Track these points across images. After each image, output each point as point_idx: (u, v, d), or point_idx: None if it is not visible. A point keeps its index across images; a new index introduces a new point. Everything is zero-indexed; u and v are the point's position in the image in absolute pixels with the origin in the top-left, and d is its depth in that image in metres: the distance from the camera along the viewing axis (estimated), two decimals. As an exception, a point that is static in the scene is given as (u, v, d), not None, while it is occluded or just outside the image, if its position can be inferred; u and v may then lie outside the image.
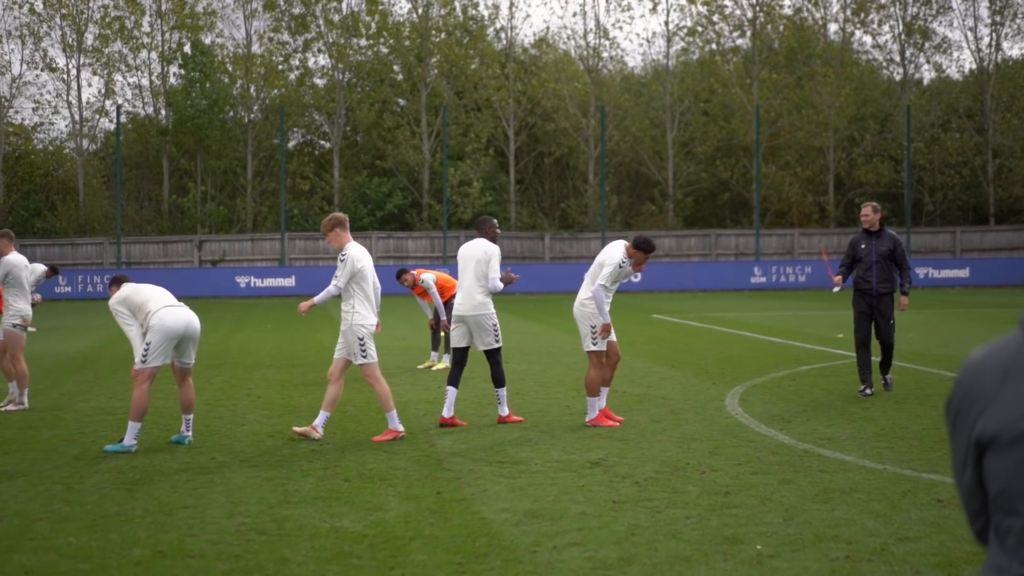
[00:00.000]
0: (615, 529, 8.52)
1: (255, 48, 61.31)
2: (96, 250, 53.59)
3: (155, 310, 12.04)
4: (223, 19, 61.83)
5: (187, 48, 60.03)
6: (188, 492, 9.99)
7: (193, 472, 10.87)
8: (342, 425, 13.65)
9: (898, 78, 64.88)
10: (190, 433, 12.50)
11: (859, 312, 16.00)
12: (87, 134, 61.34)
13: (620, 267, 13.45)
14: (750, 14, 62.67)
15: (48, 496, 9.89)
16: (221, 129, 59.53)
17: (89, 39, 59.77)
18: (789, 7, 63.43)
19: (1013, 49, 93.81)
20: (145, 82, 61.75)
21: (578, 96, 61.17)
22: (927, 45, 64.17)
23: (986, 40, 65.53)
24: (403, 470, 10.86)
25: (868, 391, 15.68)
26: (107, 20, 59.64)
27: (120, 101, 60.27)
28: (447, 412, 13.61)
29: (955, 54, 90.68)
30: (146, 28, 60.76)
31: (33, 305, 29.74)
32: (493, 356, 13.79)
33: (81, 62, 59.91)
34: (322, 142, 64.10)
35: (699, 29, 63.34)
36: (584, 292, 13.71)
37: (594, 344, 13.61)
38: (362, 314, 12.50)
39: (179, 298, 12.92)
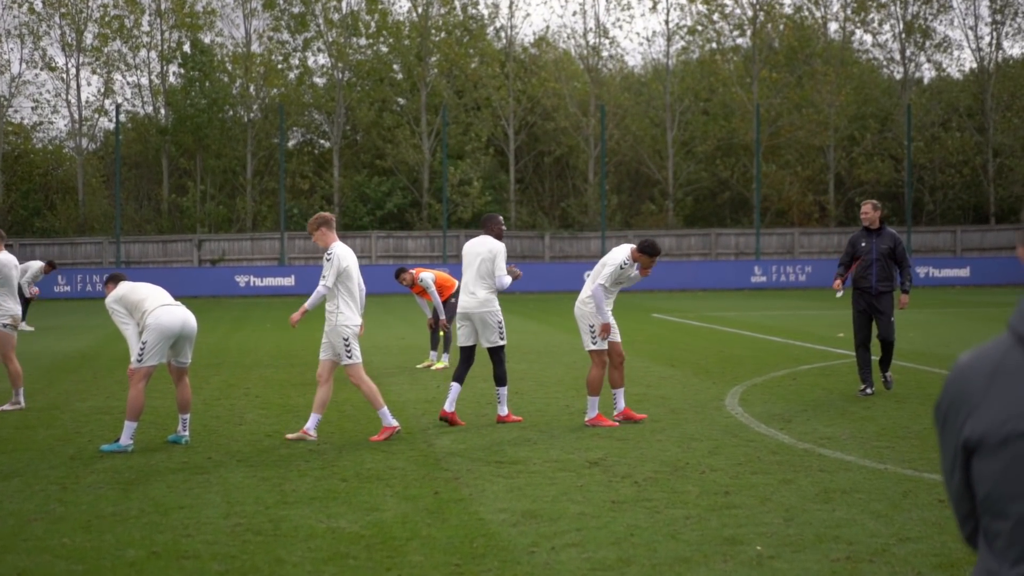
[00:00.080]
0: (614, 529, 8.45)
1: (255, 47, 61.28)
2: (95, 249, 53.53)
3: (151, 309, 11.97)
4: (222, 18, 61.92)
5: (186, 47, 59.99)
6: (184, 492, 9.93)
7: (189, 472, 10.80)
8: (340, 425, 13.59)
9: (898, 77, 64.80)
10: (187, 433, 12.43)
11: (858, 311, 15.93)
12: (86, 133, 61.30)
13: (621, 269, 13.38)
14: (750, 13, 62.62)
15: (43, 496, 9.83)
16: (220, 128, 59.47)
17: (88, 38, 59.74)
18: (789, 6, 63.44)
19: (1014, 48, 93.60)
20: (144, 81, 61.79)
21: (578, 95, 61.10)
22: (927, 44, 64.10)
23: (987, 39, 65.51)
24: (401, 470, 10.79)
25: (869, 390, 15.61)
26: (106, 19, 59.60)
27: (119, 100, 60.30)
28: (448, 407, 13.56)
29: (955, 53, 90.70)
30: (145, 27, 60.74)
31: (31, 298, 29.99)
32: (497, 354, 13.73)
33: (80, 61, 59.90)
34: (322, 141, 64.05)
35: (699, 28, 63.28)
36: (585, 291, 13.67)
37: (593, 344, 13.55)
38: (347, 315, 12.43)
39: (178, 297, 12.87)
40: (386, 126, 59.65)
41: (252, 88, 60.92)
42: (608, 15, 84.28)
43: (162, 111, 60.95)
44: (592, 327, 13.52)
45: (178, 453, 11.81)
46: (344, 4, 60.76)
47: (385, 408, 12.59)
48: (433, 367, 19.80)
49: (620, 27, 67.03)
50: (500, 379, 13.70)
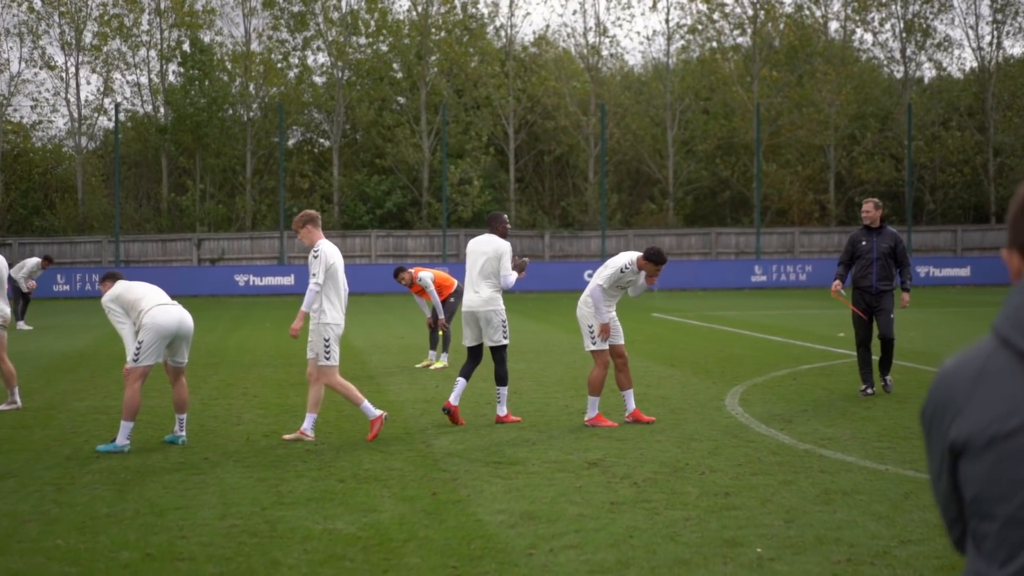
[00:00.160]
0: (613, 531, 8.38)
1: (254, 46, 61.22)
2: (95, 248, 53.49)
3: (148, 308, 11.89)
4: (222, 17, 61.85)
5: (186, 46, 59.89)
6: (180, 493, 9.86)
7: (186, 473, 10.73)
8: (338, 425, 13.51)
9: (899, 76, 64.73)
10: (184, 433, 12.36)
11: (857, 315, 15.85)
12: (86, 132, 61.27)
13: (621, 273, 13.32)
14: (750, 12, 62.54)
15: (38, 497, 9.76)
16: (220, 127, 59.41)
17: (88, 37, 59.68)
18: (790, 5, 63.32)
19: (1015, 47, 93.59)
20: (144, 80, 61.76)
21: (578, 94, 61.03)
22: (928, 43, 64.03)
23: (987, 38, 65.48)
24: (399, 471, 10.72)
25: (869, 391, 15.54)
26: (106, 18, 59.53)
27: (119, 99, 60.25)
28: (454, 400, 13.54)
29: (956, 52, 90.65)
30: (145, 26, 60.67)
31: (28, 293, 29.91)
32: (499, 353, 13.67)
33: (80, 60, 59.85)
34: (321, 140, 63.99)
35: (699, 27, 63.21)
36: (586, 292, 13.61)
37: (593, 344, 13.51)
38: (330, 314, 12.34)
39: (178, 296, 12.82)
40: (386, 125, 59.59)
41: (252, 87, 60.87)
42: (608, 14, 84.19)
43: (161, 110, 60.89)
44: (591, 327, 13.47)
45: (175, 453, 11.74)
46: (344, 3, 60.73)
47: (365, 402, 12.49)
48: (432, 367, 19.72)
49: (620, 26, 67.01)
50: (501, 379, 13.64)
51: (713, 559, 7.64)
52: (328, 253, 12.35)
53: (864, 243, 15.75)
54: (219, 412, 14.57)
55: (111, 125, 58.32)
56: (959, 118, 62.20)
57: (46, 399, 16.09)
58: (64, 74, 60.30)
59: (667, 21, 63.38)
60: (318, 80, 62.39)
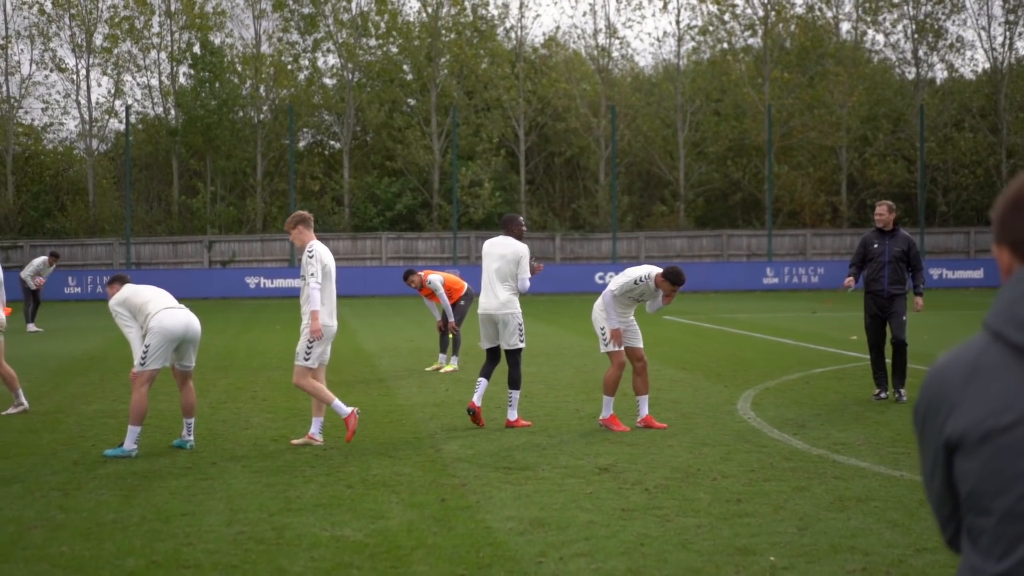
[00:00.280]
0: (623, 539, 8.27)
1: (264, 48, 61.25)
2: (106, 251, 53.49)
3: (155, 312, 11.81)
4: (232, 19, 61.82)
5: (196, 48, 59.88)
6: (187, 499, 9.77)
7: (193, 478, 10.64)
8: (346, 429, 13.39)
9: (911, 77, 64.53)
10: (191, 437, 12.28)
11: (871, 316, 15.70)
12: (96, 134, 61.29)
13: (635, 284, 13.22)
14: (761, 13, 62.39)
15: (44, 502, 9.67)
16: (231, 129, 59.39)
17: (98, 39, 59.72)
18: (801, 6, 63.15)
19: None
20: (154, 82, 61.72)
21: (588, 96, 60.92)
22: (940, 44, 63.82)
23: (1000, 39, 65.34)
24: (407, 476, 10.62)
25: (883, 395, 15.41)
26: (116, 20, 59.54)
27: (129, 101, 60.29)
28: (477, 400, 13.54)
29: (968, 53, 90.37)
30: (155, 28, 60.68)
31: (38, 290, 29.89)
32: (514, 356, 13.62)
33: (90, 62, 59.88)
34: (332, 142, 63.96)
35: (710, 28, 63.06)
36: (599, 304, 13.54)
37: (606, 346, 13.43)
38: (321, 316, 12.22)
39: (188, 299, 12.74)
40: (396, 127, 59.53)
41: (262, 89, 60.87)
42: (618, 15, 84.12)
43: (172, 112, 60.89)
44: (603, 329, 13.40)
45: (182, 458, 11.65)
46: (354, 5, 60.69)
47: (336, 400, 12.28)
48: (442, 370, 19.63)
49: (630, 27, 66.86)
50: (514, 382, 13.57)
51: (725, 568, 7.53)
52: (321, 254, 12.28)
53: (876, 246, 15.60)
54: (228, 416, 14.48)
55: (122, 127, 58.35)
56: (972, 119, 61.98)
57: (54, 402, 16.01)
58: (75, 76, 60.40)
59: (678, 22, 63.51)
60: (328, 82, 62.38)
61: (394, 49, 61.53)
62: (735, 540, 8.18)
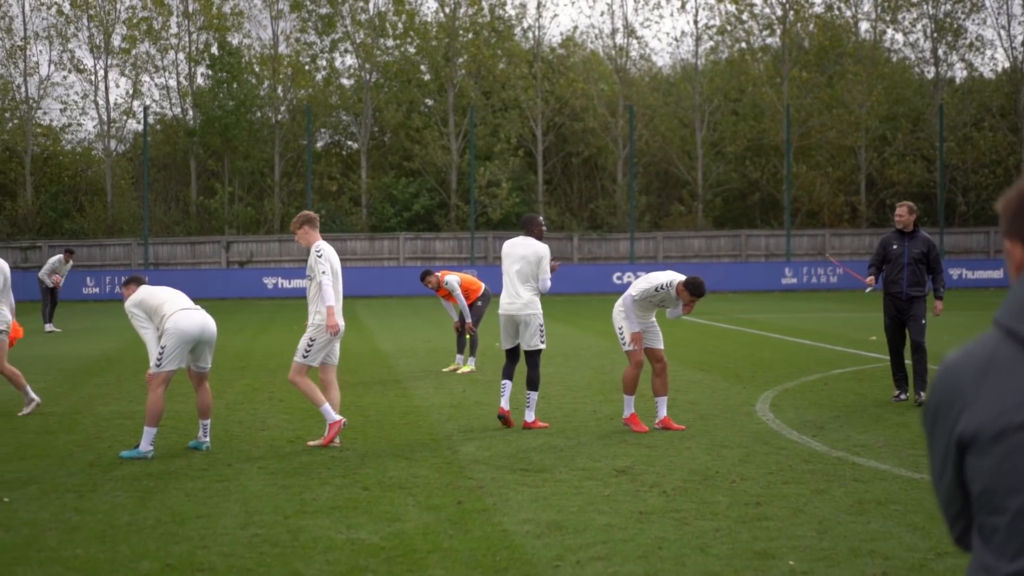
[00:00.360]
0: (641, 542, 8.20)
1: (282, 48, 61.25)
2: (124, 251, 53.60)
3: (171, 313, 11.78)
4: (250, 19, 61.76)
5: (214, 49, 59.96)
6: (202, 501, 9.72)
7: (209, 480, 10.60)
8: (364, 431, 13.37)
9: (930, 77, 64.26)
10: (207, 439, 12.24)
11: (890, 319, 15.56)
12: (115, 135, 61.40)
13: (656, 291, 13.13)
14: (779, 12, 62.20)
15: (59, 505, 9.64)
16: (248, 130, 59.45)
17: (116, 40, 59.82)
18: (819, 5, 62.95)
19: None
20: (172, 83, 61.84)
21: (606, 96, 60.83)
22: (960, 43, 63.55)
23: (1020, 38, 65.11)
24: (424, 478, 10.57)
25: (903, 396, 15.30)
26: (134, 21, 59.66)
27: (147, 102, 60.35)
28: (505, 404, 13.53)
29: (988, 52, 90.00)
30: (173, 29, 60.79)
31: (55, 288, 29.94)
32: (533, 357, 13.58)
33: (108, 63, 59.98)
34: (349, 143, 63.97)
35: (728, 28, 62.89)
36: (619, 304, 13.47)
37: (625, 346, 13.38)
38: (324, 315, 12.17)
39: (206, 299, 12.70)
40: (414, 127, 59.54)
41: (279, 89, 60.91)
42: (636, 15, 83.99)
43: (190, 113, 60.98)
44: (621, 330, 13.34)
45: (198, 460, 11.61)
46: (371, 5, 60.70)
47: (326, 404, 12.23)
48: (459, 371, 19.57)
49: (648, 27, 66.72)
50: (532, 383, 13.52)
51: (744, 572, 7.46)
52: (329, 254, 12.28)
53: (896, 247, 15.46)
54: (244, 417, 14.45)
55: (140, 128, 58.44)
56: (991, 119, 61.69)
57: (71, 403, 16.00)
58: (93, 77, 60.51)
59: (695, 22, 63.09)
60: (346, 82, 62.41)
61: (411, 49, 61.54)
62: (754, 544, 8.11)
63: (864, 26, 64.81)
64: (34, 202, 56.90)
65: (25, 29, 59.87)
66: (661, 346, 13.53)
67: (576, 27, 64.52)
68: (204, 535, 8.55)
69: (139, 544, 8.32)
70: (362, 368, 20.31)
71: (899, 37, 66.13)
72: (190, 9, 60.62)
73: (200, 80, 61.06)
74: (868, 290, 16.17)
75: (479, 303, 19.81)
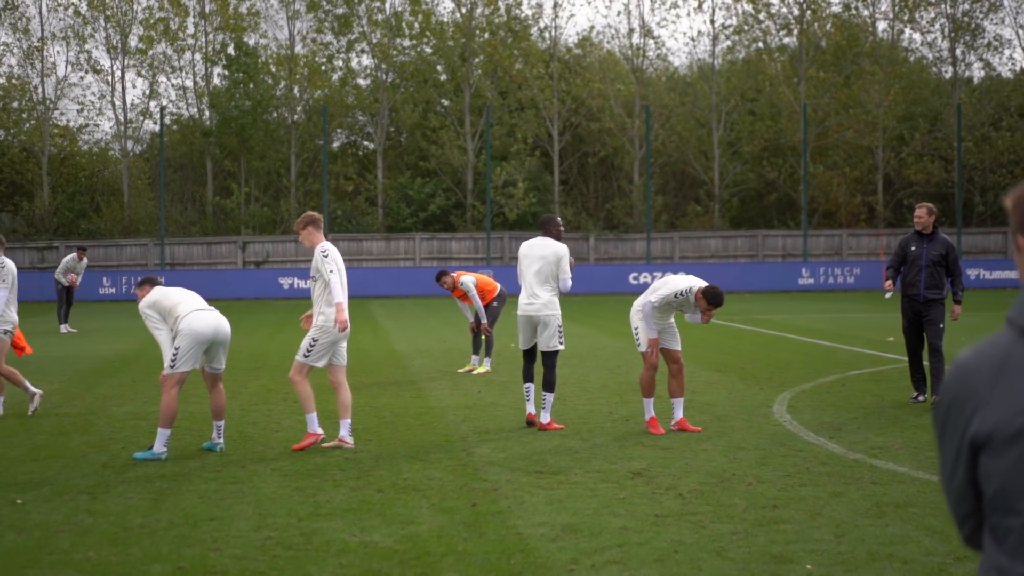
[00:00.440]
0: (657, 546, 8.12)
1: (298, 49, 61.28)
2: (140, 251, 53.68)
3: (185, 314, 11.74)
4: (266, 20, 61.83)
5: (231, 49, 60.02)
6: (215, 503, 9.67)
7: (222, 481, 10.55)
8: (378, 432, 13.31)
9: (948, 76, 64.00)
10: (221, 440, 12.20)
11: (908, 321, 15.42)
12: (131, 135, 61.51)
13: (675, 297, 13.01)
14: (797, 12, 62.01)
15: (72, 506, 9.60)
16: (264, 130, 59.50)
17: (133, 41, 59.93)
18: (837, 4, 62.74)
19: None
20: (189, 83, 61.93)
21: (623, 96, 60.72)
22: (978, 43, 63.29)
23: (1038, 38, 64.54)
24: (438, 480, 10.50)
25: (920, 398, 15.18)
26: (151, 21, 59.75)
27: (164, 102, 60.49)
28: (532, 408, 13.55)
29: (1006, 52, 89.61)
30: (190, 29, 60.87)
31: (71, 287, 29.97)
32: (551, 358, 13.54)
33: (125, 63, 60.10)
34: (365, 143, 63.98)
35: (745, 27, 62.74)
36: (637, 304, 13.37)
37: (639, 347, 13.34)
38: (328, 316, 12.12)
39: (222, 299, 12.66)
40: (430, 127, 59.52)
41: (296, 90, 60.94)
42: (653, 15, 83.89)
43: (206, 113, 61.05)
44: (637, 330, 13.27)
45: (212, 461, 11.57)
46: (387, 5, 60.70)
47: (314, 414, 12.22)
48: (474, 372, 19.50)
49: (665, 27, 66.56)
50: (549, 384, 13.46)
51: (761, 576, 7.38)
52: (335, 253, 12.25)
53: (914, 249, 15.31)
54: (258, 419, 14.40)
55: (156, 128, 58.58)
56: (1009, 119, 61.40)
57: (86, 404, 15.98)
58: (110, 77, 60.66)
59: (712, 22, 62.96)
60: (362, 83, 62.43)
61: (428, 49, 61.52)
62: (771, 547, 8.03)
63: (881, 25, 64.66)
64: (51, 202, 57.02)
65: (42, 30, 60.04)
66: (678, 347, 13.45)
67: (592, 27, 64.44)
68: (217, 537, 8.50)
69: (151, 547, 8.28)
70: (377, 369, 20.27)
71: (917, 36, 65.81)
72: (207, 9, 60.70)
73: (217, 80, 61.15)
74: (888, 295, 16.02)
75: (495, 304, 19.74)
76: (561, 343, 13.55)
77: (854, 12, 63.08)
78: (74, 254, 30.56)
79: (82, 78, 61.84)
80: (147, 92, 60.77)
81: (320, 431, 12.21)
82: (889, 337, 24.36)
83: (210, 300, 12.49)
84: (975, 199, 61.10)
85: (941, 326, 15.17)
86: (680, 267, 48.28)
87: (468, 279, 19.55)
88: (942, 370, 15.02)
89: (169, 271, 49.71)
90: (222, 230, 58.00)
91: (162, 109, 55.03)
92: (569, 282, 13.48)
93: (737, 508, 9.22)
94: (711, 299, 12.88)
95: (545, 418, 13.43)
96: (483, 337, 19.74)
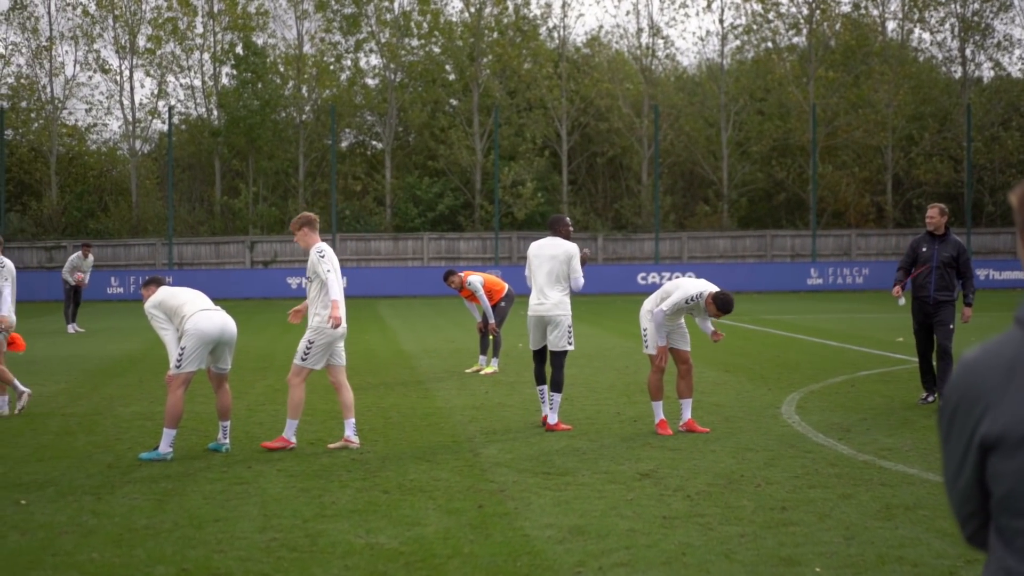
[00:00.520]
0: (664, 548, 8.05)
1: (306, 48, 61.27)
2: (148, 251, 53.69)
3: (190, 314, 11.69)
4: (275, 19, 61.82)
5: (239, 49, 60.01)
6: (221, 504, 9.62)
7: (227, 482, 10.50)
8: (385, 432, 13.26)
9: (957, 76, 63.84)
10: (227, 440, 12.15)
11: (918, 323, 15.32)
12: (140, 135, 61.52)
13: (687, 303, 12.93)
14: (806, 11, 61.89)
15: (76, 507, 9.55)
16: (273, 130, 59.49)
17: (142, 40, 59.94)
18: (847, 4, 62.63)
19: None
20: (197, 83, 61.93)
21: (631, 95, 60.63)
22: (988, 42, 63.13)
23: (1048, 37, 64.38)
24: (445, 481, 10.44)
25: (930, 399, 15.10)
26: (160, 21, 59.78)
27: (172, 102, 60.46)
28: (546, 411, 13.49)
29: (1016, 52, 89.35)
30: (199, 29, 60.88)
31: (78, 286, 29.94)
32: (559, 358, 13.48)
33: (134, 63, 60.11)
34: (374, 143, 63.96)
35: (754, 27, 62.62)
36: (649, 303, 13.29)
37: (646, 349, 13.27)
38: (324, 317, 12.05)
39: (230, 299, 12.62)
40: (438, 127, 59.48)
41: (304, 89, 60.93)
42: (661, 15, 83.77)
43: (214, 113, 61.06)
44: (646, 331, 13.20)
45: (217, 462, 11.52)
46: (396, 5, 60.65)
47: (296, 423, 12.17)
48: (482, 372, 19.44)
49: (673, 26, 66.45)
50: (557, 384, 13.40)
51: (770, 579, 7.31)
52: (331, 254, 12.19)
53: (925, 250, 15.20)
54: (265, 419, 14.34)
55: (165, 128, 58.52)
56: (1019, 118, 61.24)
57: (92, 404, 15.94)
58: (118, 77, 60.68)
59: (721, 21, 62.81)
60: (370, 82, 62.39)
61: (436, 49, 61.49)
62: (780, 550, 7.96)
63: (891, 25, 64.52)
64: (59, 202, 57.05)
65: (51, 29, 60.08)
66: (687, 347, 13.37)
67: (601, 27, 64.39)
68: (221, 539, 8.45)
69: (155, 548, 8.22)
70: (385, 369, 20.22)
71: (926, 36, 65.76)
72: (215, 9, 60.70)
73: (225, 80, 61.15)
74: (901, 302, 15.77)
75: (503, 304, 19.67)
76: (570, 343, 13.49)
77: (863, 12, 62.96)
78: (78, 252, 30.54)
79: (90, 78, 62.11)
80: (155, 92, 60.80)
81: (294, 442, 12.15)
82: (898, 338, 24.27)
83: (218, 300, 12.45)
84: (984, 199, 60.92)
85: (951, 327, 15.07)
86: (689, 267, 48.24)
87: (475, 279, 19.49)
88: (950, 371, 14.89)
89: (177, 271, 49.71)
90: (230, 230, 58.01)
91: (170, 109, 55.03)
92: (581, 280, 13.42)
93: (745, 510, 9.15)
94: (721, 305, 12.78)
95: (552, 419, 13.37)
96: (491, 337, 19.68)
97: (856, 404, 15.18)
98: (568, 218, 13.92)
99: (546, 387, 13.51)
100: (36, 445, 12.61)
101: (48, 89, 59.59)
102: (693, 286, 12.98)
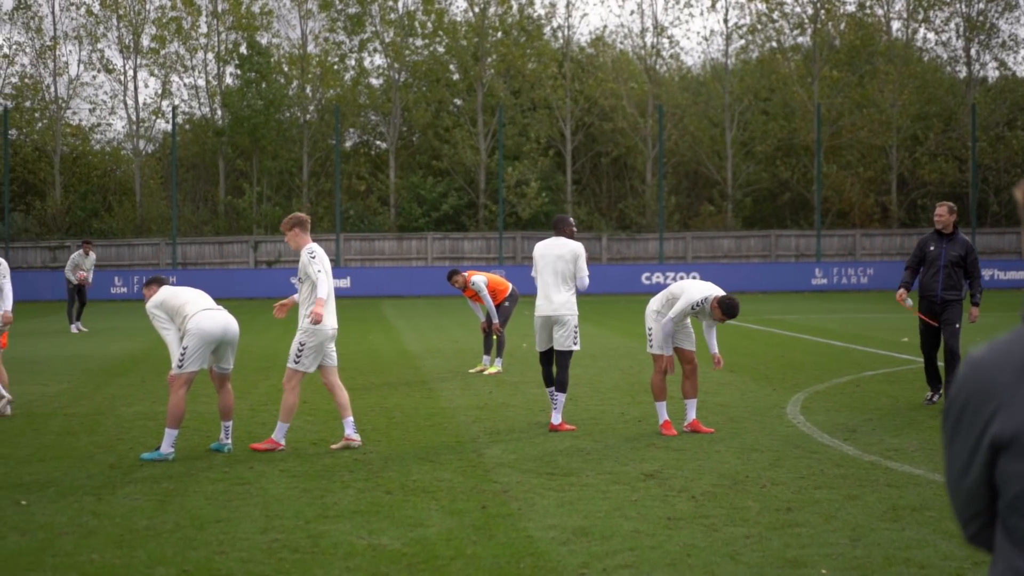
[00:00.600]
0: (669, 549, 7.99)
1: (311, 48, 61.25)
2: (152, 251, 53.67)
3: (192, 314, 11.64)
4: (279, 19, 61.78)
5: (243, 49, 60.00)
6: (222, 505, 9.56)
7: (229, 483, 10.44)
8: (388, 433, 13.20)
9: (962, 76, 63.74)
10: (229, 441, 12.09)
11: (924, 323, 15.25)
12: (143, 135, 61.52)
13: (692, 309, 12.87)
14: (810, 11, 61.81)
15: (77, 508, 9.49)
16: (277, 130, 59.47)
17: (146, 40, 59.95)
18: (851, 3, 62.52)
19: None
20: (201, 83, 61.92)
21: (636, 95, 60.57)
22: (993, 42, 63.03)
23: (1053, 37, 64.25)
24: (448, 482, 10.38)
25: (935, 399, 15.03)
26: (164, 21, 59.77)
27: (176, 102, 60.47)
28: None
29: (1021, 51, 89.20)
30: (203, 29, 60.87)
31: (81, 284, 29.90)
32: (565, 358, 13.43)
33: (138, 63, 60.12)
34: (378, 142, 63.91)
35: (759, 27, 62.54)
36: (654, 304, 13.23)
37: (649, 348, 13.20)
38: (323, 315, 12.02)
39: (234, 299, 12.56)
40: (443, 127, 59.44)
41: (308, 89, 60.91)
42: (666, 14, 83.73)
43: (218, 112, 61.04)
44: (650, 331, 13.12)
45: (219, 462, 11.46)
46: (400, 4, 60.63)
47: (287, 427, 12.10)
48: (486, 372, 19.38)
49: (678, 26, 66.40)
50: (561, 384, 13.35)
51: (775, 581, 7.24)
52: (322, 255, 12.13)
53: (933, 248, 15.11)
54: (267, 419, 14.27)
55: (169, 128, 58.59)
56: (1024, 118, 61.20)
57: (95, 404, 15.89)
58: (122, 77, 60.67)
59: (726, 21, 62.79)
60: (374, 82, 62.37)
61: (441, 49, 61.43)
62: (785, 551, 7.89)
63: (896, 25, 64.43)
64: (63, 202, 57.05)
65: (55, 29, 60.10)
66: (692, 348, 13.31)
67: (605, 26, 64.42)
68: (223, 540, 8.39)
69: (156, 549, 8.16)
70: (388, 369, 20.16)
71: (931, 36, 65.49)
72: (219, 9, 60.68)
73: (229, 80, 61.13)
74: (908, 303, 15.63)
75: (507, 303, 19.61)
76: (576, 343, 13.43)
77: (868, 11, 62.86)
78: (79, 250, 30.51)
79: (94, 77, 61.88)
80: (159, 91, 60.86)
81: (283, 444, 12.07)
82: (903, 337, 24.20)
83: (221, 300, 12.41)
84: (989, 199, 60.84)
85: (957, 326, 14.99)
86: (693, 267, 48.17)
87: (479, 279, 19.43)
88: (957, 370, 14.80)
89: (181, 271, 49.69)
90: (234, 230, 57.98)
91: (174, 108, 55.03)
92: (587, 280, 13.38)
93: (751, 511, 9.09)
94: (726, 310, 12.71)
95: (556, 419, 13.31)
96: (495, 337, 19.62)
97: (861, 404, 15.11)
98: (572, 218, 13.87)
99: (555, 388, 13.45)
100: (38, 445, 12.55)
101: (52, 89, 59.63)
102: (698, 291, 12.88)
